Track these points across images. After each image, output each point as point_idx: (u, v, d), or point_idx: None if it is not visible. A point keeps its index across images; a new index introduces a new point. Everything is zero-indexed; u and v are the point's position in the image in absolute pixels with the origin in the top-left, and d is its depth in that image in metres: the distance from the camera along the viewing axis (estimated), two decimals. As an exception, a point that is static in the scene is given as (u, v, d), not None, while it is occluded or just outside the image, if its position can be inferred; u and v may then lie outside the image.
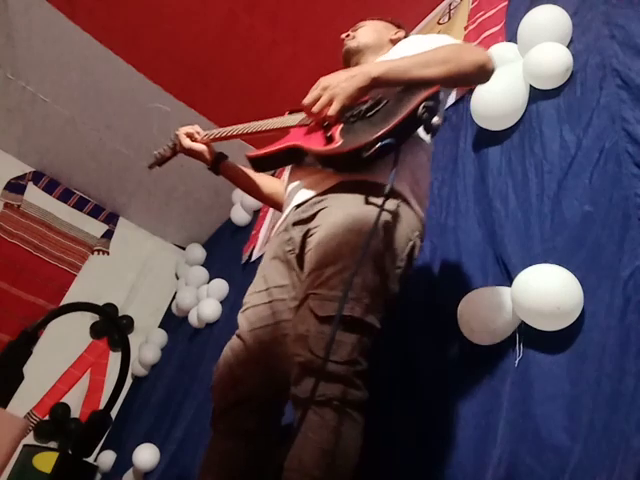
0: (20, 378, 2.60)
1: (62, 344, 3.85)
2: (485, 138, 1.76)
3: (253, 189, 1.65)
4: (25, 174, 4.13)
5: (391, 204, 1.19)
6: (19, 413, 3.25)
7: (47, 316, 2.86)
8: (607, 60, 1.46)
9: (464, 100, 1.98)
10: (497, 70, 1.71)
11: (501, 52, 1.77)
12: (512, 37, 1.82)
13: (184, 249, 4.51)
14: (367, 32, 1.63)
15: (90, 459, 3.21)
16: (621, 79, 1.40)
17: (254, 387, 1.24)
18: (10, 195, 4.02)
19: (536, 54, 1.59)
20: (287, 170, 1.50)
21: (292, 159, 1.38)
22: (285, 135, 1.41)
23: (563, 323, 1.20)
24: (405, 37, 1.66)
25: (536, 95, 1.62)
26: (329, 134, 1.20)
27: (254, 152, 1.40)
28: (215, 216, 4.24)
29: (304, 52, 2.92)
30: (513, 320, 1.30)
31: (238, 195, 3.69)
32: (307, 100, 1.23)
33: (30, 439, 3.59)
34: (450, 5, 2.56)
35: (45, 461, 2.96)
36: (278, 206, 1.61)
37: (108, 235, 4.36)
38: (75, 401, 3.86)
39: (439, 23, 2.58)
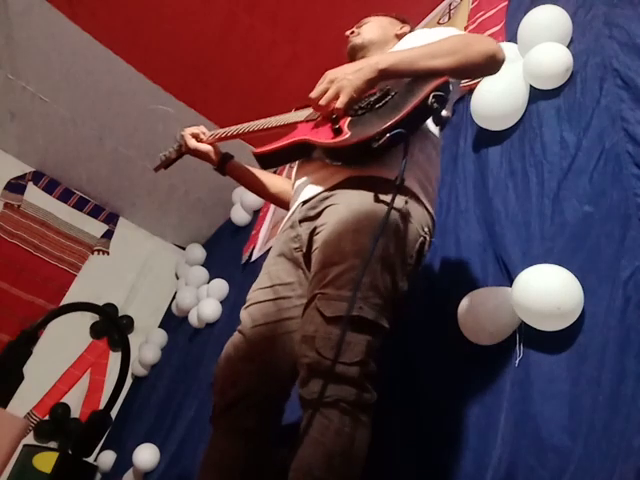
0: (20, 378, 2.60)
1: (62, 344, 3.85)
2: (485, 138, 1.76)
3: (260, 188, 1.64)
4: (25, 174, 4.12)
5: (399, 200, 1.16)
6: (19, 413, 3.26)
7: (47, 316, 2.86)
8: (607, 60, 1.46)
9: (464, 100, 1.98)
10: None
11: (501, 52, 1.77)
12: (512, 37, 1.82)
13: (184, 249, 4.51)
14: (372, 28, 1.61)
15: (90, 459, 3.22)
16: (621, 79, 1.40)
17: (254, 383, 1.23)
18: (10, 195, 4.02)
19: (536, 54, 1.59)
20: (295, 166, 1.48)
21: (300, 154, 1.36)
22: (292, 131, 1.38)
23: (563, 323, 1.20)
24: (410, 32, 1.65)
25: (536, 95, 1.62)
26: (337, 127, 1.17)
27: (260, 149, 1.38)
28: (215, 216, 4.25)
29: (304, 52, 2.92)
30: (513, 320, 1.30)
31: (238, 195, 3.69)
32: (314, 94, 1.21)
33: (30, 439, 3.58)
34: (450, 5, 2.56)
35: (45, 461, 2.97)
36: (285, 205, 1.59)
37: (108, 235, 4.36)
38: (75, 401, 3.86)
39: (439, 23, 2.58)
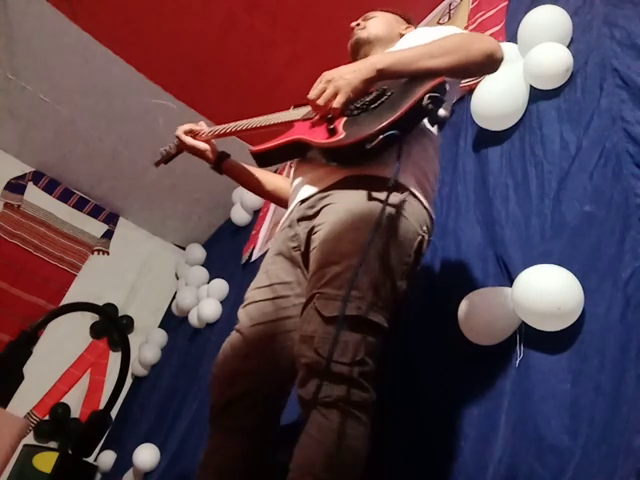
0: (20, 378, 2.60)
1: (62, 344, 3.85)
2: (485, 138, 1.76)
3: (256, 187, 1.64)
4: (25, 174, 4.12)
5: (397, 198, 1.16)
6: (19, 413, 3.26)
7: (47, 316, 2.86)
8: (607, 60, 1.46)
9: (464, 100, 1.98)
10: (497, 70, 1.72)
11: (501, 52, 1.77)
12: (512, 37, 1.82)
13: (184, 249, 4.51)
14: (378, 23, 1.59)
15: (90, 459, 3.22)
16: (621, 79, 1.40)
17: (253, 382, 1.23)
18: (10, 195, 4.02)
19: (536, 54, 1.59)
20: (293, 165, 1.48)
21: (296, 153, 1.36)
22: (289, 129, 1.38)
23: (564, 323, 1.20)
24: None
25: (536, 95, 1.62)
26: (332, 127, 1.18)
27: (257, 147, 1.38)
28: (215, 216, 4.25)
29: (304, 52, 2.92)
30: (513, 320, 1.30)
31: (238, 195, 3.69)
32: (312, 93, 1.21)
33: (30, 439, 3.58)
34: (450, 5, 2.56)
35: (45, 461, 2.97)
36: (282, 203, 1.60)
37: (108, 235, 4.36)
38: (75, 401, 3.86)
39: (439, 23, 2.58)
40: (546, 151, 1.50)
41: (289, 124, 1.39)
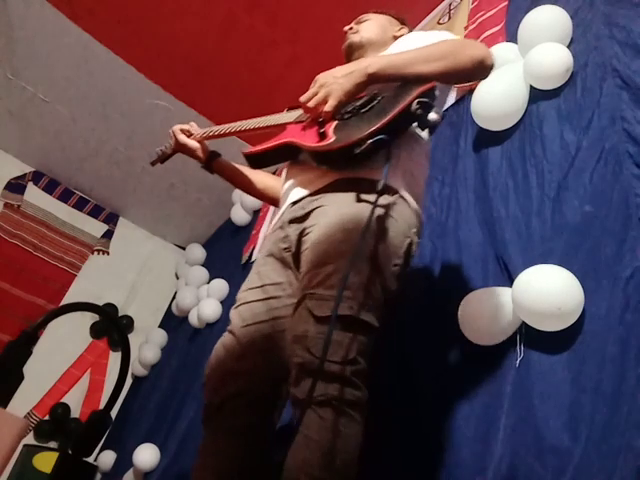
0: (20, 378, 2.60)
1: (62, 344, 3.85)
2: (485, 138, 1.76)
3: (247, 186, 1.66)
4: (25, 174, 4.12)
5: (386, 201, 1.18)
6: (19, 413, 3.26)
7: (47, 316, 2.85)
8: (607, 60, 1.46)
9: (464, 100, 1.98)
10: (497, 70, 1.72)
11: (501, 52, 1.77)
12: (512, 37, 1.82)
13: (184, 249, 4.51)
14: (371, 27, 1.61)
15: (90, 459, 3.22)
16: (621, 79, 1.40)
17: (247, 381, 1.24)
18: (10, 195, 4.02)
19: (536, 54, 1.59)
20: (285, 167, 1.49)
21: (288, 156, 1.37)
22: (282, 132, 1.40)
23: (564, 324, 1.20)
24: (409, 32, 1.65)
25: (536, 95, 1.62)
26: (322, 131, 1.19)
27: (250, 149, 1.40)
28: (215, 216, 4.24)
29: (304, 52, 2.92)
30: (514, 321, 1.30)
31: (238, 195, 3.69)
32: (304, 97, 1.22)
33: (30, 439, 3.58)
34: (450, 5, 2.56)
35: (45, 461, 2.97)
36: (273, 201, 1.62)
37: (108, 235, 4.36)
38: (75, 401, 3.86)
39: (439, 23, 2.58)
40: (546, 151, 1.50)
41: (282, 126, 1.41)
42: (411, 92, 1.14)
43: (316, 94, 1.20)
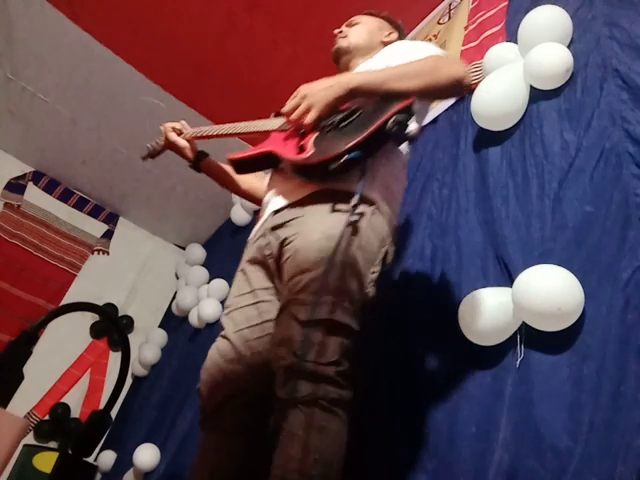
0: (20, 378, 2.60)
1: (62, 344, 3.84)
2: (485, 138, 1.76)
3: (232, 185, 1.71)
4: (25, 174, 4.12)
5: (364, 211, 1.22)
6: (19, 413, 3.25)
7: (47, 316, 2.86)
8: (607, 60, 1.46)
9: (464, 100, 1.98)
10: (497, 70, 1.73)
11: (501, 52, 1.78)
12: (512, 37, 1.82)
13: (184, 249, 4.51)
14: (359, 32, 1.64)
15: (90, 459, 3.21)
16: (621, 79, 1.40)
17: (243, 382, 1.27)
18: (10, 195, 4.02)
19: (536, 54, 1.59)
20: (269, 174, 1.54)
21: (269, 164, 1.42)
22: (266, 138, 1.45)
23: (564, 324, 1.20)
24: (398, 38, 1.67)
25: (536, 95, 1.62)
26: (301, 144, 1.24)
27: (234, 155, 1.45)
28: (215, 216, 4.24)
29: (304, 52, 2.92)
30: (514, 321, 1.30)
31: (238, 195, 3.68)
32: (286, 107, 1.27)
33: (30, 439, 3.57)
34: (450, 5, 2.56)
35: (45, 461, 2.96)
36: (257, 201, 1.67)
37: (108, 235, 4.36)
38: (75, 401, 3.85)
39: (439, 23, 2.58)
40: (546, 151, 1.50)
41: (266, 133, 1.46)
42: (389, 109, 1.18)
43: (298, 105, 1.24)
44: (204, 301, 3.36)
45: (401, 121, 1.15)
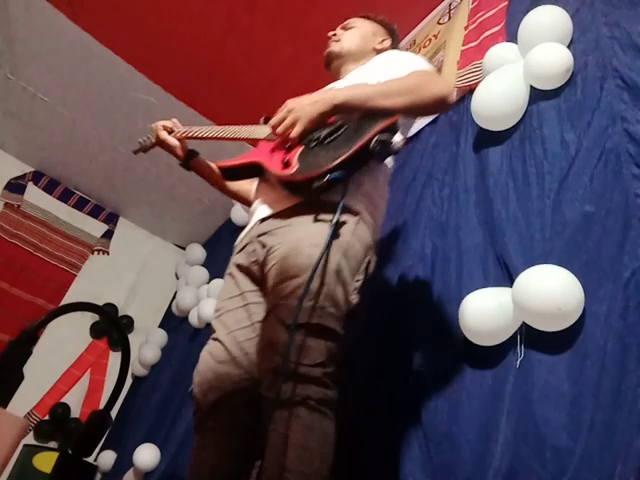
0: (20, 378, 2.60)
1: (62, 344, 3.85)
2: (485, 138, 1.76)
3: (221, 186, 1.73)
4: (25, 174, 4.12)
5: (349, 221, 1.25)
6: (19, 413, 3.25)
7: (47, 316, 2.86)
8: (607, 60, 1.46)
9: (464, 100, 1.98)
10: (497, 70, 1.73)
11: (501, 52, 1.78)
12: (512, 37, 1.82)
13: (184, 249, 4.51)
14: (353, 37, 1.67)
15: (90, 459, 3.22)
16: (621, 79, 1.40)
17: (240, 383, 1.28)
18: (10, 195, 4.02)
19: (536, 54, 1.59)
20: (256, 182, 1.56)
21: (256, 173, 1.45)
22: (255, 146, 1.48)
23: (564, 324, 1.20)
24: (391, 45, 1.70)
25: (536, 95, 1.62)
26: (287, 159, 1.27)
27: (224, 162, 1.48)
28: (215, 216, 4.24)
29: (304, 52, 2.92)
30: (514, 321, 1.30)
31: (238, 195, 3.68)
32: (273, 120, 1.31)
33: (30, 439, 3.58)
34: (450, 5, 2.56)
35: (45, 461, 2.97)
36: (245, 201, 1.70)
37: (108, 235, 4.36)
38: (75, 401, 3.86)
39: (439, 23, 2.58)
40: (546, 151, 1.50)
41: (255, 141, 1.49)
42: (372, 127, 1.21)
43: (284, 119, 1.28)
44: (204, 301, 3.36)
45: (384, 140, 1.19)
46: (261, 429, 1.24)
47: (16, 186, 4.06)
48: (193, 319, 3.43)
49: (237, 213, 3.68)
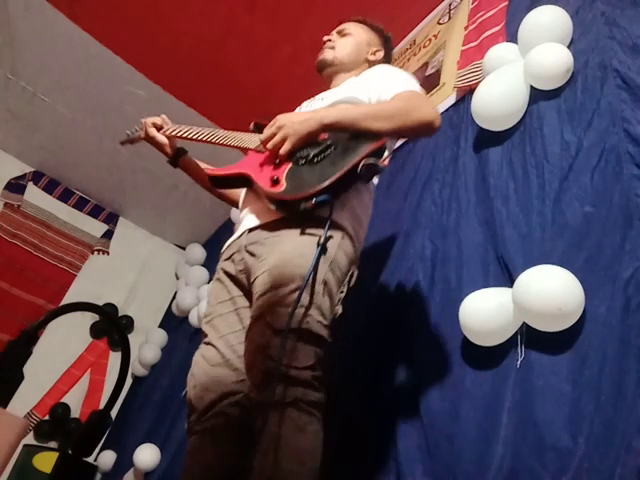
0: (20, 378, 2.60)
1: (62, 344, 3.85)
2: (486, 139, 1.76)
3: (208, 185, 1.72)
4: (25, 174, 4.12)
5: (335, 235, 1.29)
6: (19, 413, 3.26)
7: (47, 316, 2.86)
8: (608, 60, 1.46)
9: (464, 100, 1.98)
10: (497, 70, 1.73)
11: (501, 52, 1.78)
12: (512, 37, 1.82)
13: (184, 249, 4.51)
14: (346, 46, 1.68)
15: (90, 459, 3.22)
16: (622, 79, 1.40)
17: (232, 384, 1.30)
18: (10, 195, 4.02)
19: (537, 55, 1.59)
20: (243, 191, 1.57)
21: (244, 184, 1.48)
22: (244, 155, 1.49)
23: (564, 324, 1.20)
24: (384, 57, 1.72)
25: (537, 96, 1.62)
26: (276, 177, 1.29)
27: (213, 171, 1.51)
28: (215, 216, 4.24)
29: (304, 52, 2.92)
30: (514, 321, 1.30)
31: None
32: (264, 135, 1.34)
33: (30, 439, 3.58)
34: (450, 5, 2.56)
35: (45, 461, 2.97)
36: (232, 202, 1.74)
37: (108, 235, 4.36)
38: (75, 401, 3.86)
39: (439, 23, 2.58)
40: (546, 151, 1.50)
41: (244, 150, 1.50)
42: (360, 149, 1.24)
43: (274, 135, 1.31)
44: (204, 301, 3.36)
45: (371, 165, 1.21)
46: (254, 429, 1.25)
47: (16, 186, 4.06)
48: (193, 319, 3.43)
49: (237, 213, 3.68)
